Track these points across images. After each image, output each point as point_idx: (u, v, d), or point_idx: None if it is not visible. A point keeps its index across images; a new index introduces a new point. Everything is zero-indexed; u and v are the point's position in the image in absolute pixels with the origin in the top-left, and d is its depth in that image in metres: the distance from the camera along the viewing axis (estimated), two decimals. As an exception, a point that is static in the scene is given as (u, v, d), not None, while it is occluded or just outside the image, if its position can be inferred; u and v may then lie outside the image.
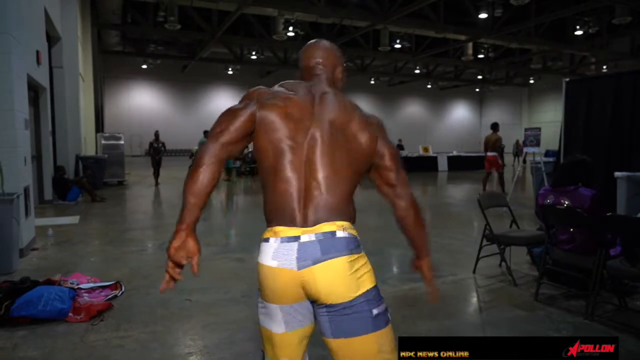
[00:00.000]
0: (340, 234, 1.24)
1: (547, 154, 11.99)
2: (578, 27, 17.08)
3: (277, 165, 1.28)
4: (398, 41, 18.93)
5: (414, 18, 15.73)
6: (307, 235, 1.23)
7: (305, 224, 1.24)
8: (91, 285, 3.61)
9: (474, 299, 3.76)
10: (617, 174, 5.84)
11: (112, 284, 3.66)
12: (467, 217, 7.67)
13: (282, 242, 1.25)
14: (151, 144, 12.40)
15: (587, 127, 6.97)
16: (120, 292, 3.59)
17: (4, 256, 4.15)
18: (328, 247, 1.22)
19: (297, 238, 1.23)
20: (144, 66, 24.75)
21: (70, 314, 3.07)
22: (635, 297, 3.43)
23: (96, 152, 12.74)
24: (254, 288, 3.86)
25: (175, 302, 3.49)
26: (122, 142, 12.54)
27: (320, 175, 1.27)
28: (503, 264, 4.09)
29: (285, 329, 1.30)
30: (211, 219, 7.84)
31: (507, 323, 3.15)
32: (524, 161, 9.79)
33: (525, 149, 8.52)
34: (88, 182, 9.28)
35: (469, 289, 3.92)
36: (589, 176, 3.34)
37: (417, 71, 26.17)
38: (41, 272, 3.98)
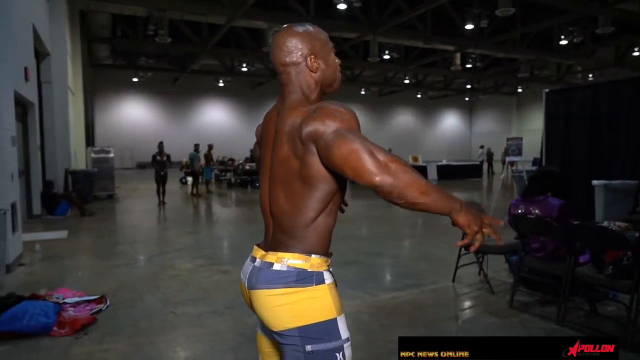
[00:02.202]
0: (277, 266, 1.23)
1: (535, 162, 12.18)
2: (563, 36, 17.44)
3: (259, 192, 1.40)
4: (387, 52, 19.25)
5: (402, 29, 16.01)
6: (258, 260, 1.29)
7: (265, 248, 1.32)
8: (76, 299, 3.67)
9: (452, 307, 3.85)
10: (594, 182, 6.00)
11: (97, 298, 3.72)
12: (452, 226, 7.78)
13: (249, 259, 1.36)
14: (154, 157, 10.88)
15: (566, 136, 7.15)
16: (106, 305, 3.65)
17: (-9, 272, 4.20)
18: (261, 277, 1.25)
19: (254, 260, 1.32)
20: (135, 79, 24.87)
21: (55, 328, 3.13)
22: (606, 303, 3.55)
23: (86, 166, 12.76)
24: (238, 300, 3.93)
25: (159, 314, 3.56)
26: (111, 155, 12.55)
27: (275, 207, 1.28)
28: (482, 272, 4.20)
29: (259, 329, 1.42)
30: (199, 232, 7.90)
31: (482, 330, 3.25)
32: (511, 170, 9.94)
33: (507, 158, 8.67)
34: (77, 196, 9.30)
35: (447, 297, 4.01)
36: (557, 186, 3.48)
37: (407, 81, 26.50)
38: (28, 288, 4.02)
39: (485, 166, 22.00)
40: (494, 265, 4.42)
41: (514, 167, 9.17)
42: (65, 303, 3.55)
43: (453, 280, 4.28)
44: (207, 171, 14.02)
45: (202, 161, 14.44)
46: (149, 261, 5.42)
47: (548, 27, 16.25)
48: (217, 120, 29.99)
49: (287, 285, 1.21)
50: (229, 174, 17.16)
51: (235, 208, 11.66)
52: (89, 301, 3.67)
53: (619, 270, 2.91)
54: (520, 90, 30.22)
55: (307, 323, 1.19)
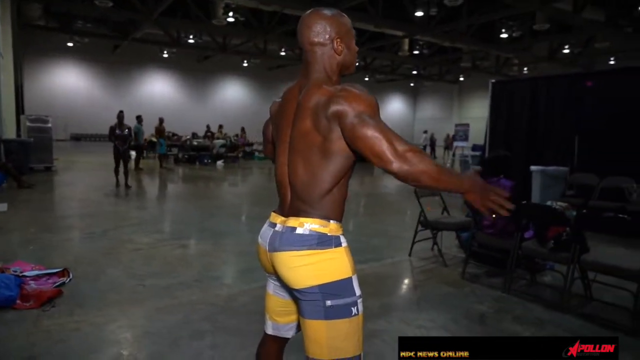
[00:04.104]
0: (299, 230, 1.34)
1: (474, 148, 12.98)
2: (504, 30, 18.45)
3: (275, 164, 1.49)
4: (338, 33, 19.31)
5: (354, 11, 16.11)
6: (279, 225, 1.40)
7: (283, 214, 1.43)
8: (36, 272, 3.54)
9: (410, 279, 4.16)
10: (532, 167, 6.58)
11: (59, 271, 3.61)
12: (402, 205, 8.20)
13: (267, 225, 1.47)
14: (112, 130, 9.13)
15: (508, 124, 7.73)
16: (68, 279, 3.55)
17: None
18: (285, 240, 1.36)
19: (274, 225, 1.42)
20: (70, 44, 23.09)
21: (19, 301, 3.03)
22: (544, 273, 4.00)
23: (18, 135, 11.85)
24: (204, 272, 3.96)
25: (126, 287, 3.54)
26: (49, 125, 11.74)
27: (293, 177, 1.38)
28: (435, 247, 4.54)
29: (270, 291, 1.55)
30: (151, 207, 7.72)
31: (438, 298, 3.56)
32: (454, 154, 10.54)
33: (455, 143, 9.19)
34: (13, 166, 8.69)
35: (405, 270, 4.32)
36: (509, 169, 3.84)
37: (356, 64, 26.75)
38: (-25, 261, 3.80)
39: (427, 150, 22.99)
40: (445, 241, 4.77)
41: (458, 152, 9.72)
42: (25, 276, 3.42)
43: (409, 255, 4.59)
44: (161, 146, 13.53)
45: (146, 135, 13.92)
46: (104, 235, 5.26)
47: (491, 20, 17.06)
48: (161, 92, 28.69)
49: (310, 247, 1.33)
50: (174, 150, 16.64)
51: (184, 184, 11.41)
52: (50, 274, 3.55)
53: (559, 244, 3.30)
54: (462, 79, 31.59)
55: (327, 281, 1.32)
